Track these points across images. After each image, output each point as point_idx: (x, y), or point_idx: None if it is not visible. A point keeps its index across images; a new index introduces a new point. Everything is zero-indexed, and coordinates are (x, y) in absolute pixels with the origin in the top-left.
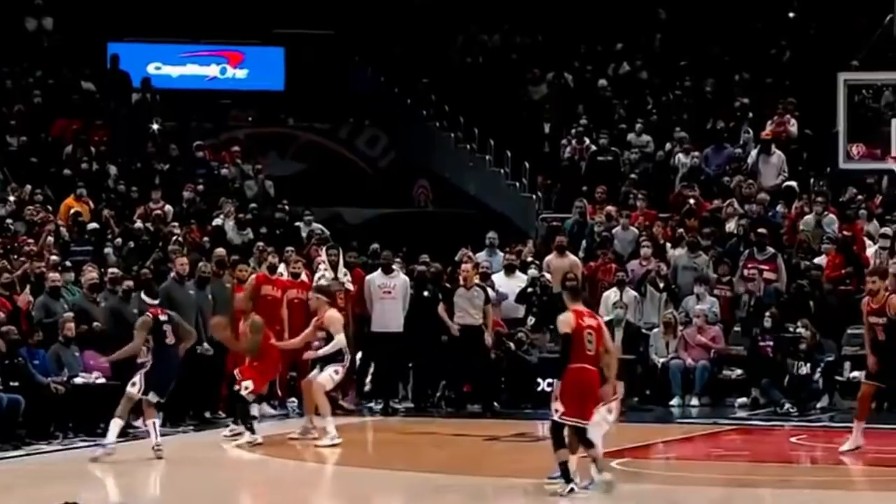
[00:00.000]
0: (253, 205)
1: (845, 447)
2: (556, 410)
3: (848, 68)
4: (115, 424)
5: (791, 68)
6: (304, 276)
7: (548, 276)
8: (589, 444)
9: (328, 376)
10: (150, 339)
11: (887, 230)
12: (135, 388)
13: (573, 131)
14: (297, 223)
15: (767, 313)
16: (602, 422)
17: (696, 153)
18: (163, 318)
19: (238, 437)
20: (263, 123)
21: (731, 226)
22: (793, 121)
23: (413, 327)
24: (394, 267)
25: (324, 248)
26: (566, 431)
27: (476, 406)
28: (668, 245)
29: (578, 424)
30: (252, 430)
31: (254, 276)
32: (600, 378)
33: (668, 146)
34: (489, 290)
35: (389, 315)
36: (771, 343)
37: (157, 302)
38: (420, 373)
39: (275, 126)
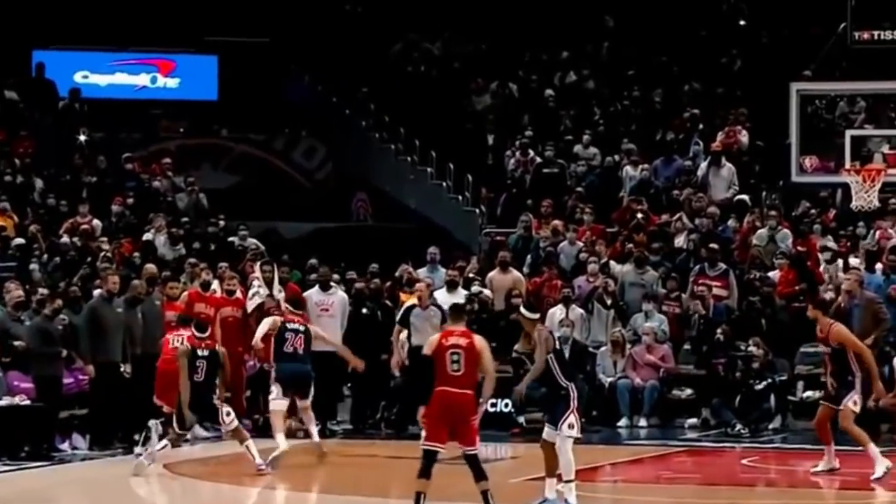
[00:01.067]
0: (185, 219)
1: (819, 468)
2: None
3: (801, 78)
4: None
5: (742, 78)
6: (238, 294)
7: (487, 292)
8: (480, 475)
9: None
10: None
11: (832, 244)
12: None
13: (517, 143)
14: (231, 238)
15: (719, 331)
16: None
17: (645, 165)
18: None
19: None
20: (196, 134)
21: (680, 240)
22: (744, 132)
23: (351, 346)
24: (332, 284)
25: (258, 264)
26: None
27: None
28: (613, 262)
29: (430, 448)
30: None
31: (186, 293)
32: (473, 400)
33: (615, 158)
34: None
35: (327, 333)
36: (722, 362)
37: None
38: (359, 393)
39: (208, 137)
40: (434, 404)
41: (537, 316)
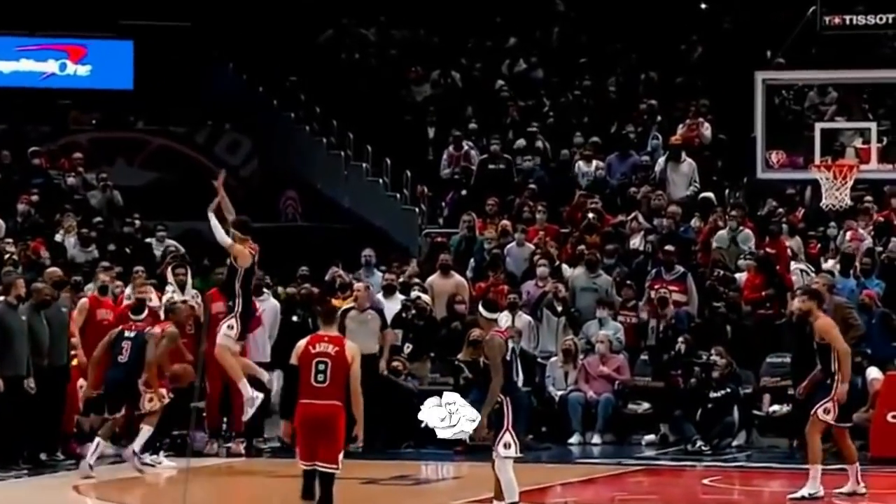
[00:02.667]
0: (98, 218)
1: (845, 489)
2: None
3: (767, 67)
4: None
5: (703, 66)
6: (155, 300)
7: (425, 297)
8: (326, 498)
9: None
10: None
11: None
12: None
13: (461, 136)
14: (148, 239)
15: (680, 339)
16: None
17: (599, 161)
18: None
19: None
20: (109, 127)
21: (635, 242)
22: (706, 125)
23: (283, 357)
24: (264, 290)
25: (169, 268)
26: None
27: (353, 445)
28: (564, 265)
29: (307, 468)
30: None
31: (85, 299)
32: (343, 413)
33: (567, 153)
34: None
35: (256, 343)
36: (682, 374)
37: None
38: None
39: (122, 130)
40: (298, 419)
41: (496, 317)
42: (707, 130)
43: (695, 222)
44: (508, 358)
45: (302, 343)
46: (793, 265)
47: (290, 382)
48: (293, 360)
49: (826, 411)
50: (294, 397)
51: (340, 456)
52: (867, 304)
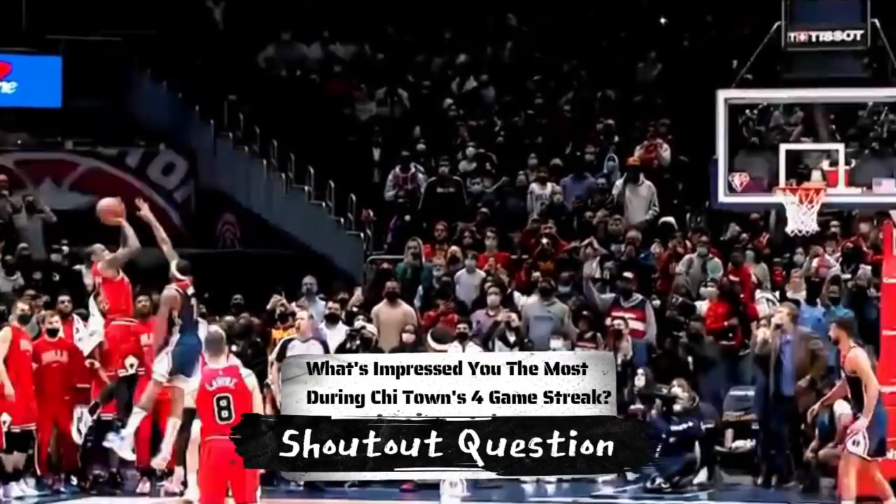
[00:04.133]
0: (23, 245)
1: None
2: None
3: (729, 85)
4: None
5: (663, 85)
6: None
7: (371, 327)
8: None
9: None
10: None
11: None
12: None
13: (408, 157)
14: (77, 266)
15: (640, 371)
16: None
17: (554, 184)
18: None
19: None
20: (36, 147)
21: (590, 268)
22: (665, 146)
23: None
24: (198, 318)
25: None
26: None
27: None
28: (517, 293)
29: None
30: None
31: (8, 328)
32: None
33: (523, 177)
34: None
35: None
36: (642, 409)
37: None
38: None
39: (50, 151)
40: (204, 457)
41: (446, 347)
42: (666, 152)
43: (655, 248)
44: None
45: (196, 383)
46: (757, 294)
47: (187, 425)
48: (189, 404)
49: (855, 443)
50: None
51: (258, 493)
52: None
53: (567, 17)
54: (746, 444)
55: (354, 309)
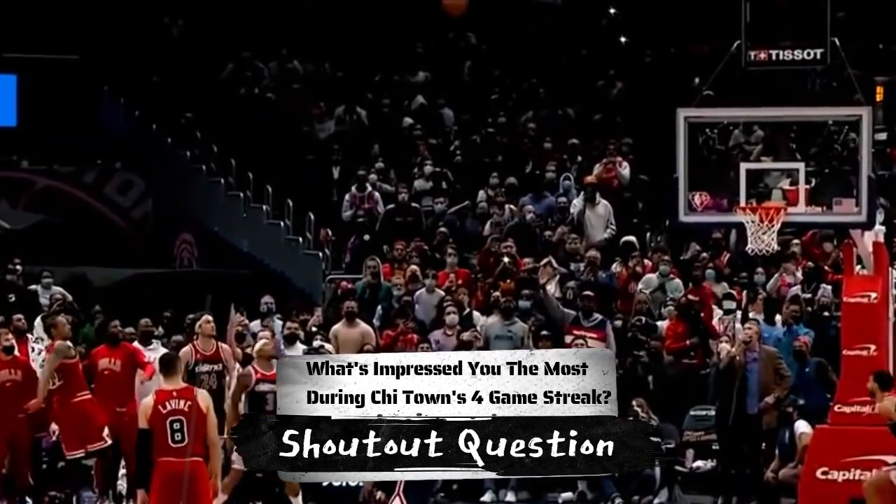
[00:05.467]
0: None
1: None
2: None
3: (689, 104)
4: None
5: (623, 103)
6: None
7: (329, 347)
8: None
9: None
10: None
11: (732, 293)
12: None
13: (364, 176)
14: (32, 286)
15: None
16: None
17: (512, 204)
18: None
19: None
20: None
21: (550, 288)
22: (625, 164)
23: None
24: (153, 340)
25: (39, 318)
26: None
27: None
28: (476, 312)
29: None
30: None
31: None
32: (202, 466)
33: (483, 196)
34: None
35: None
36: None
37: None
38: None
39: (5, 169)
40: (157, 480)
41: None
42: (625, 170)
43: (616, 267)
44: None
45: (149, 402)
46: (717, 312)
47: (142, 448)
48: (142, 424)
49: None
50: (149, 464)
51: None
52: (802, 352)
53: (525, 36)
54: (707, 463)
55: (313, 328)
